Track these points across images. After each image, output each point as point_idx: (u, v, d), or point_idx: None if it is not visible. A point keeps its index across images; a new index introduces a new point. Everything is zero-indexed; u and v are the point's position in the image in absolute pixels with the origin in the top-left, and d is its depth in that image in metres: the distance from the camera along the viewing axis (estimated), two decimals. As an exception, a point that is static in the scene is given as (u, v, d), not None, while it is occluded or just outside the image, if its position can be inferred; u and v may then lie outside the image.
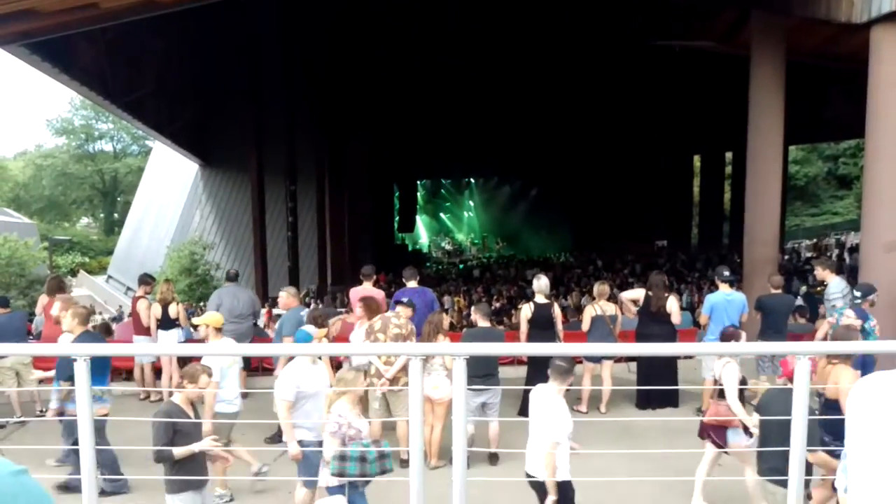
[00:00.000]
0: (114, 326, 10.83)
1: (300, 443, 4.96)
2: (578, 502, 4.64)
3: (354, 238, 27.44)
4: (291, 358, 5.54)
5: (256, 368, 9.77)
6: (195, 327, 8.88)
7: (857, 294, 7.07)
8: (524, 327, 7.97)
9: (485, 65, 25.94)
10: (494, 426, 6.67)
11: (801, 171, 47.56)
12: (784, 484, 3.72)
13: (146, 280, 9.39)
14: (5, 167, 56.37)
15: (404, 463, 6.07)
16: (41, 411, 8.19)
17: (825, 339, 7.02)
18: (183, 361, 9.38)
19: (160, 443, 4.17)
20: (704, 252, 28.62)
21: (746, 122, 11.17)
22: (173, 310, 8.91)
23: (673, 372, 8.21)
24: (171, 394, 8.69)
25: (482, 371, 6.52)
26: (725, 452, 5.33)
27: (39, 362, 7.78)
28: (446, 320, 7.95)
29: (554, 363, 4.74)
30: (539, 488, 4.56)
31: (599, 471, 5.94)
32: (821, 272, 8.50)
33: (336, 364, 7.35)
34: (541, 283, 8.11)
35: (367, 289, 8.39)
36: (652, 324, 8.11)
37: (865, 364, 6.01)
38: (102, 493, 5.36)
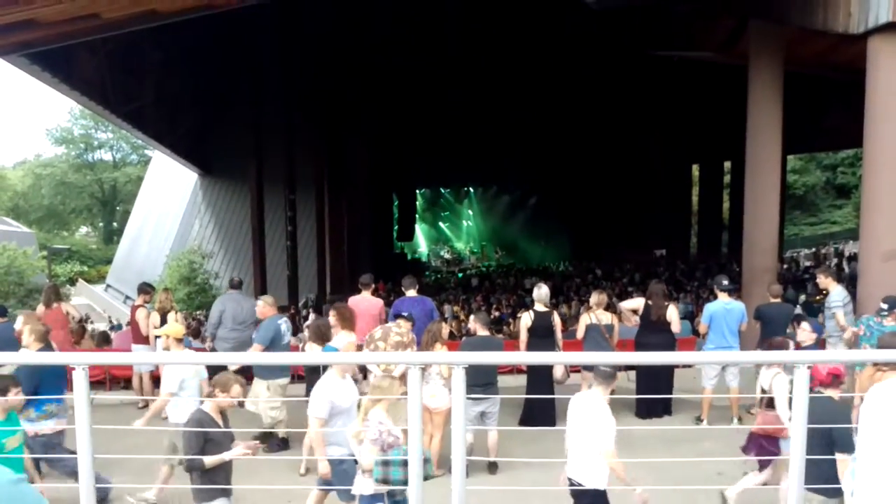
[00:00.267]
0: (112, 335, 10.83)
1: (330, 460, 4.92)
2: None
3: (353, 247, 27.43)
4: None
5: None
6: (157, 337, 8.89)
7: (884, 306, 7.04)
8: (524, 336, 7.95)
9: (484, 74, 26.02)
10: (493, 435, 6.65)
11: (799, 181, 47.67)
12: (821, 492, 3.74)
13: (145, 289, 9.39)
14: (4, 176, 56.40)
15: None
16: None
17: (850, 346, 7.02)
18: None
19: (191, 452, 4.13)
20: (703, 261, 28.62)
21: (745, 131, 11.19)
22: (172, 319, 8.89)
23: (670, 381, 8.20)
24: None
25: (481, 380, 6.50)
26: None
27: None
28: (445, 329, 7.95)
29: (598, 369, 4.76)
30: (580, 495, 4.56)
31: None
32: (823, 280, 8.51)
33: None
34: (541, 291, 8.10)
35: (365, 298, 8.38)
36: (651, 333, 8.10)
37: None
38: None
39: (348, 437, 4.77)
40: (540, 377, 7.78)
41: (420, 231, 41.94)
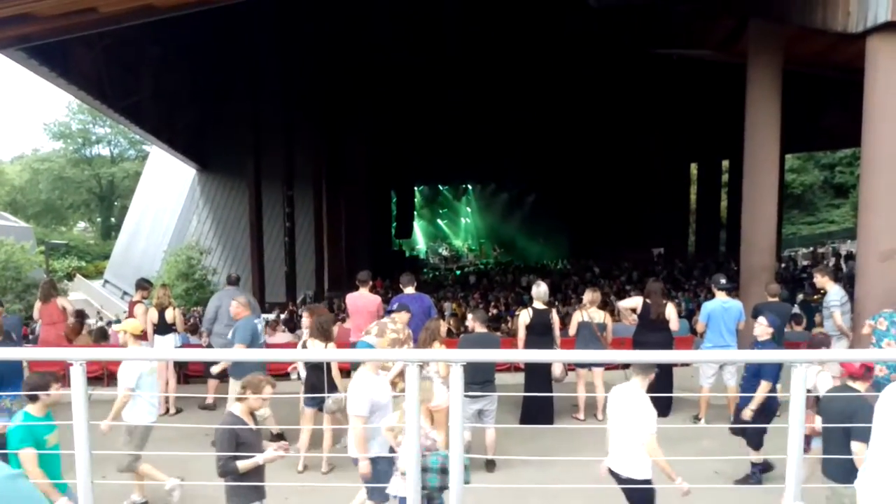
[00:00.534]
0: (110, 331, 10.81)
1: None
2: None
3: (351, 244, 27.41)
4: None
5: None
6: (154, 333, 8.89)
7: None
8: (522, 333, 7.96)
9: (483, 72, 25.99)
10: (491, 433, 6.65)
11: (797, 180, 47.72)
12: (841, 480, 3.78)
13: (143, 285, 9.38)
14: (2, 171, 56.27)
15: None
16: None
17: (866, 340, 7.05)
18: (179, 366, 9.38)
19: (224, 456, 4.09)
20: (701, 260, 28.65)
21: (743, 130, 11.19)
22: (170, 315, 8.90)
23: (669, 380, 8.20)
24: (167, 399, 8.74)
25: (480, 378, 6.50)
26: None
27: (35, 367, 7.75)
28: (443, 327, 7.94)
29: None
30: (625, 483, 4.61)
31: (598, 478, 5.93)
32: (820, 279, 8.53)
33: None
34: (540, 289, 8.10)
35: (363, 295, 8.38)
36: (650, 331, 8.10)
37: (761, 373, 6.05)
38: None
39: (384, 433, 4.78)
40: (538, 375, 7.79)
41: (418, 228, 41.92)
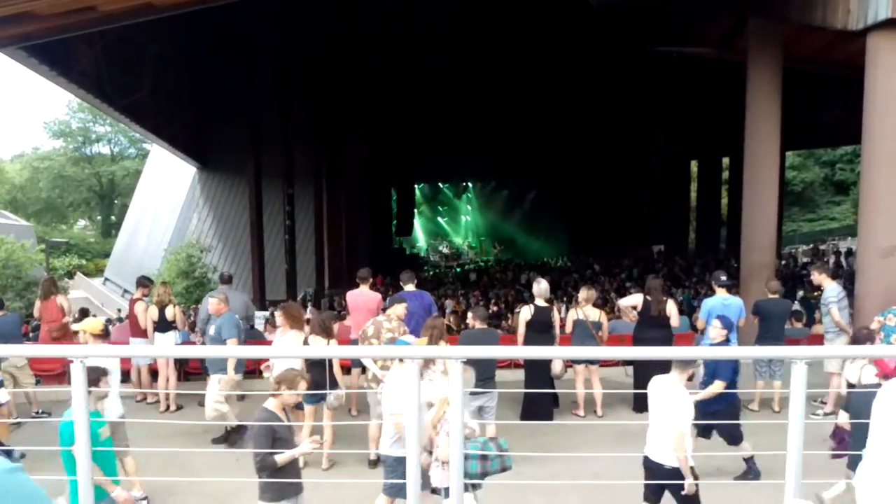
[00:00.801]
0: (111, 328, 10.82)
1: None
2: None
3: (352, 241, 27.42)
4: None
5: (252, 371, 9.75)
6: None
7: None
8: (522, 329, 7.96)
9: (483, 68, 25.96)
10: (491, 430, 6.66)
11: (797, 177, 47.68)
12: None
13: (144, 282, 9.39)
14: (2, 169, 56.25)
15: (373, 464, 6.09)
16: (36, 413, 8.19)
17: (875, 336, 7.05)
18: (179, 363, 9.40)
19: (262, 451, 4.09)
20: (702, 257, 28.65)
21: (743, 127, 11.20)
22: (170, 312, 8.91)
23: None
24: (167, 396, 8.76)
25: (480, 374, 6.51)
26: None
27: (35, 364, 7.78)
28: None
29: None
30: (662, 474, 4.65)
31: (598, 474, 5.95)
32: (817, 276, 8.54)
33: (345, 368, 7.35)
34: (541, 287, 8.11)
35: (363, 292, 8.38)
36: (650, 328, 8.12)
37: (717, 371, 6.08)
38: None
39: (384, 437, 4.78)
40: (538, 372, 7.80)
41: (419, 226, 41.92)
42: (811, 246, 33.04)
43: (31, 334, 13.25)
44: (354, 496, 5.48)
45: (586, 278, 23.44)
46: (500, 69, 26.15)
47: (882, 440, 1.21)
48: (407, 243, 40.29)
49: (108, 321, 19.73)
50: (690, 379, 4.96)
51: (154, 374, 9.20)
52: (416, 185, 39.52)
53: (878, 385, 4.37)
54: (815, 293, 13.04)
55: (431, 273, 33.80)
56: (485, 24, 23.28)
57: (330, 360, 6.58)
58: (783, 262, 23.63)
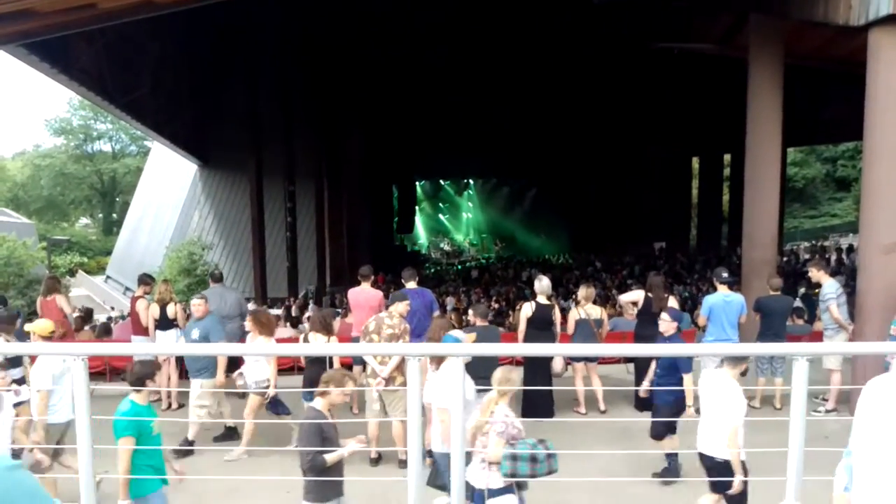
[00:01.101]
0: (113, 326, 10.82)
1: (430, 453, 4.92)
2: (581, 502, 4.64)
3: (353, 239, 27.43)
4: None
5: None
6: (156, 329, 8.90)
7: None
8: (523, 326, 7.96)
9: (484, 65, 25.93)
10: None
11: (799, 173, 47.64)
12: None
13: (145, 280, 9.40)
14: (4, 167, 56.32)
15: (402, 463, 6.07)
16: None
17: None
18: (180, 361, 9.40)
19: (313, 452, 4.09)
20: (703, 254, 28.64)
21: (745, 124, 11.17)
22: (171, 310, 8.91)
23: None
24: (169, 394, 8.77)
25: (481, 371, 6.50)
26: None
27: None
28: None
29: None
30: (714, 467, 4.68)
31: (599, 471, 5.96)
32: (815, 273, 8.55)
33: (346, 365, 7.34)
34: (542, 284, 8.10)
35: (365, 290, 8.38)
36: (651, 325, 8.11)
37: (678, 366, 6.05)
38: None
39: (433, 435, 4.80)
40: (538, 369, 7.79)
41: (420, 223, 41.91)
42: (812, 243, 33.05)
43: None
44: (354, 495, 5.48)
45: (588, 275, 23.45)
46: (501, 66, 26.12)
47: (868, 441, 1.20)
48: (408, 240, 40.28)
49: (110, 319, 19.77)
50: (744, 374, 4.97)
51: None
52: (417, 182, 39.52)
53: None
54: (816, 290, 13.04)
55: (433, 270, 33.81)
56: (486, 22, 23.25)
57: (330, 358, 6.59)
58: (785, 259, 23.62)
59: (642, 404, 8.19)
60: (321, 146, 25.98)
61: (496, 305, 17.56)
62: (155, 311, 8.91)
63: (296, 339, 10.02)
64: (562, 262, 32.19)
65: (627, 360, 9.42)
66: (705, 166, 34.14)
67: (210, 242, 28.69)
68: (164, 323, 8.86)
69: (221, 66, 25.47)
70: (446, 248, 41.88)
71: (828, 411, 7.94)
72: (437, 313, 8.25)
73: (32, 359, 6.37)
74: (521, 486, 4.38)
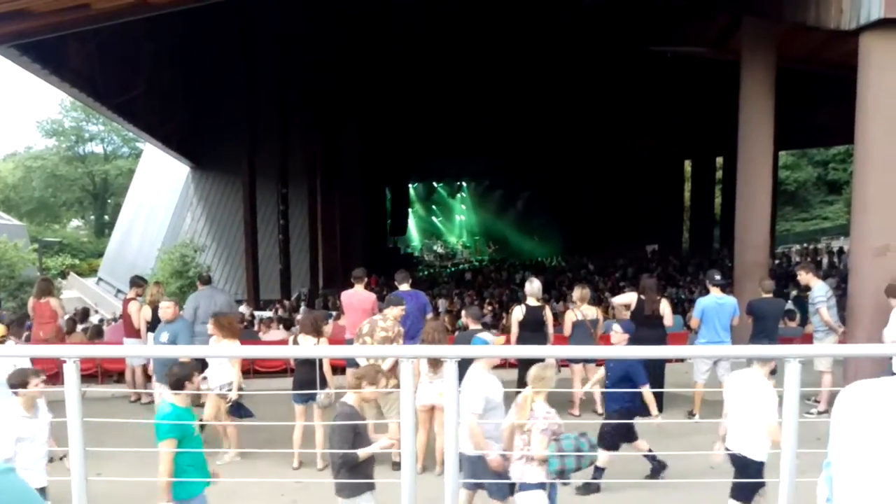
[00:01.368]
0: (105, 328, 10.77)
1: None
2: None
3: (346, 241, 27.38)
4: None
5: (248, 371, 9.74)
6: (148, 331, 8.86)
7: None
8: (515, 329, 7.97)
9: (477, 68, 25.96)
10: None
11: (791, 177, 47.88)
12: None
13: (137, 282, 9.37)
14: (-5, 169, 56.04)
15: (396, 466, 6.06)
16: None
17: None
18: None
19: (345, 447, 4.08)
20: (695, 256, 28.72)
21: (737, 127, 11.22)
22: (163, 312, 8.87)
23: (662, 375, 8.23)
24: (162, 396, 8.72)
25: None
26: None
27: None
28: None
29: None
30: (742, 465, 4.68)
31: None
32: (804, 276, 8.59)
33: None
34: (533, 286, 8.11)
35: (358, 292, 8.37)
36: (644, 327, 8.13)
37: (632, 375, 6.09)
38: None
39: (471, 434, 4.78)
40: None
41: (413, 225, 41.88)
42: (804, 245, 33.21)
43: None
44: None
45: (581, 278, 23.48)
46: (494, 69, 26.15)
47: (850, 453, 1.18)
48: (401, 243, 40.22)
49: (102, 321, 19.66)
50: (774, 372, 4.97)
51: (148, 374, 9.17)
52: (410, 185, 39.48)
53: None
54: (806, 293, 13.10)
55: (426, 273, 33.77)
56: (480, 24, 23.30)
57: (320, 360, 6.59)
58: (777, 262, 23.71)
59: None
60: (314, 148, 25.93)
61: (489, 308, 17.56)
62: (147, 313, 8.87)
63: (286, 341, 10.01)
64: (555, 264, 32.21)
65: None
66: (697, 169, 34.24)
67: (202, 244, 28.59)
68: (156, 325, 8.82)
69: (215, 68, 25.41)
70: (439, 250, 41.85)
71: (820, 413, 7.97)
72: (430, 316, 8.25)
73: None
74: (564, 479, 4.45)
